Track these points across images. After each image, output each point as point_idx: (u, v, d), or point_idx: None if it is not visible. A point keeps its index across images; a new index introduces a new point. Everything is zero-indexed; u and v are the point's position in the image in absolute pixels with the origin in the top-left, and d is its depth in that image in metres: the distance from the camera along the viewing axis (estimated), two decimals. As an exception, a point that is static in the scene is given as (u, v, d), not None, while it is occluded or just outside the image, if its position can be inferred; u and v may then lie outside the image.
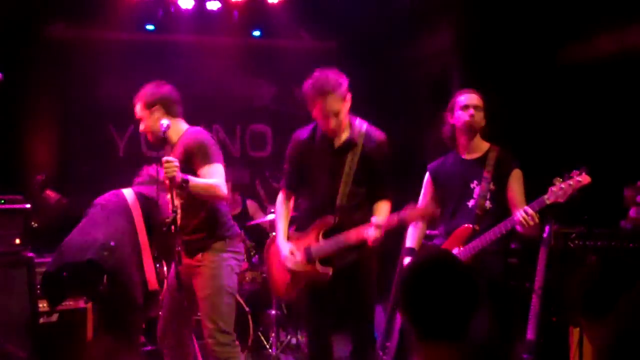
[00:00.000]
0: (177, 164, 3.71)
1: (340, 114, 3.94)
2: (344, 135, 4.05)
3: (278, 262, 4.20)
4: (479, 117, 4.15)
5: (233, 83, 7.52)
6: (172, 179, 3.70)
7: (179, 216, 3.78)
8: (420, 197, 4.46)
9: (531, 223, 3.77)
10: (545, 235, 4.08)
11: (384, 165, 4.12)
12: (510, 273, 4.32)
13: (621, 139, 5.07)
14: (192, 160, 3.91)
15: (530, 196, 3.91)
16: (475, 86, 4.34)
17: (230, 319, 4.06)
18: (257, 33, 7.37)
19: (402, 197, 4.82)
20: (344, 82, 3.98)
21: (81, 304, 4.99)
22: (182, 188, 3.74)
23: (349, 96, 3.99)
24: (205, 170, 3.89)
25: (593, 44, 5.41)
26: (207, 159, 3.91)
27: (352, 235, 3.95)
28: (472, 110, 4.12)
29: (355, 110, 4.41)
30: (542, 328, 4.05)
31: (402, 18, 6.49)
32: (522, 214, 3.79)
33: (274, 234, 4.43)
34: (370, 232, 3.87)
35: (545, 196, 3.78)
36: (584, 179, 3.72)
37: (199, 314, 4.15)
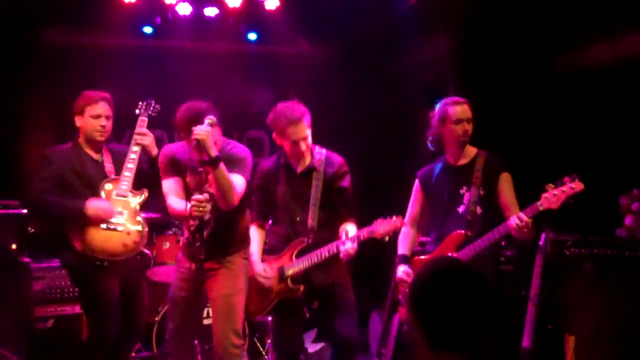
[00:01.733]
0: (208, 129, 3.79)
1: (308, 138, 4.24)
2: (306, 162, 4.34)
3: (252, 282, 4.33)
4: (471, 129, 4.19)
5: (230, 89, 7.52)
6: (205, 145, 3.73)
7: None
8: (410, 204, 4.49)
9: (525, 230, 3.79)
10: (541, 242, 4.09)
11: (346, 187, 4.37)
12: (505, 280, 4.33)
13: (617, 146, 5.08)
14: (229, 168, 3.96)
15: (526, 203, 3.93)
16: (470, 93, 4.36)
17: (241, 322, 4.14)
18: (253, 36, 7.32)
19: (397, 204, 4.84)
20: (307, 111, 4.26)
21: (77, 309, 4.99)
22: (213, 163, 3.78)
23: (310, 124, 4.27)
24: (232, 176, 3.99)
25: (589, 52, 5.43)
26: (236, 167, 4.00)
27: (323, 251, 4.22)
28: (465, 126, 4.16)
29: (350, 116, 4.47)
30: (537, 335, 4.05)
31: (398, 25, 6.50)
32: (517, 220, 3.80)
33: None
34: (343, 246, 4.12)
35: (539, 202, 3.81)
36: (577, 185, 3.75)
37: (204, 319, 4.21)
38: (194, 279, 4.10)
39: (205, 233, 3.91)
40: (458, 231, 4.13)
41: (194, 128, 3.78)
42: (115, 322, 4.24)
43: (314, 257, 4.25)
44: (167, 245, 5.64)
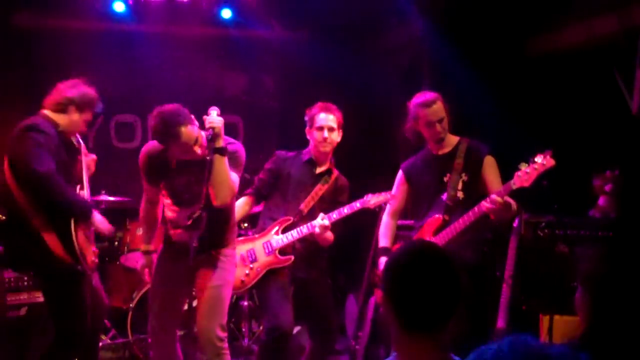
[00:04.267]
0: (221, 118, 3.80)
1: (334, 134, 4.50)
2: (325, 166, 4.60)
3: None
4: (445, 125, 4.19)
5: (203, 73, 7.46)
6: (217, 134, 3.72)
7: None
8: (395, 196, 4.49)
9: (501, 210, 3.80)
10: (515, 224, 4.11)
11: (342, 204, 4.49)
12: (481, 263, 4.35)
13: (590, 128, 5.12)
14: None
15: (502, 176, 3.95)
16: (444, 77, 4.37)
17: (226, 315, 4.09)
18: (227, 13, 7.17)
19: (372, 185, 4.83)
20: (341, 114, 4.56)
21: (40, 298, 4.92)
22: (220, 151, 3.77)
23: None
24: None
25: (561, 35, 5.45)
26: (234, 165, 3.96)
27: (309, 226, 4.38)
28: (437, 127, 4.17)
29: (324, 100, 4.48)
30: (512, 316, 4.08)
31: (372, 8, 6.48)
32: (489, 201, 3.81)
33: None
34: (318, 221, 4.32)
35: (512, 181, 3.80)
36: (548, 162, 3.74)
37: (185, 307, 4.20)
38: (181, 273, 4.04)
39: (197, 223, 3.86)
40: (436, 216, 4.14)
41: (206, 117, 3.78)
42: (87, 325, 4.19)
43: (304, 229, 4.41)
44: (140, 231, 5.57)
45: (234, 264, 4.21)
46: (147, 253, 4.28)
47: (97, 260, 4.25)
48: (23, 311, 4.89)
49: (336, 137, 4.53)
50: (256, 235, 4.61)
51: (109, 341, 5.63)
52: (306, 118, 4.55)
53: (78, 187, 4.29)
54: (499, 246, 4.39)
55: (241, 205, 4.58)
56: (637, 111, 4.85)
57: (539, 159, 3.75)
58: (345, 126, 4.58)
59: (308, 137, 4.58)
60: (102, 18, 6.97)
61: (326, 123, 4.46)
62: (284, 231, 4.50)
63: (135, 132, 7.32)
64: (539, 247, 4.53)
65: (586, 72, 5.22)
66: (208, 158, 3.77)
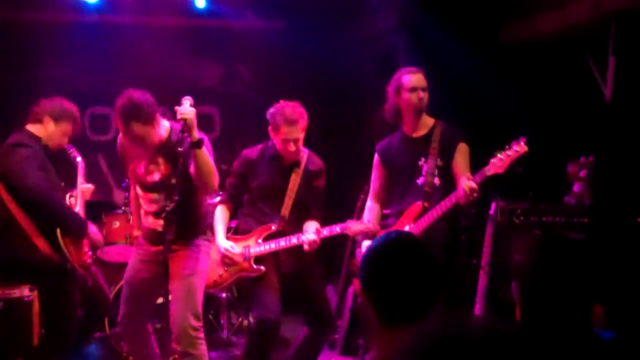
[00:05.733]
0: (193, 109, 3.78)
1: (299, 141, 4.35)
2: (292, 158, 4.45)
3: (212, 257, 4.39)
4: (426, 98, 4.19)
5: (178, 64, 7.39)
6: (190, 125, 3.71)
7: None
8: (372, 179, 4.50)
9: (475, 195, 3.81)
10: (491, 211, 4.13)
11: (321, 188, 4.56)
12: (457, 251, 4.37)
13: (564, 115, 5.15)
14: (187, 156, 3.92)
15: (475, 171, 3.95)
16: (419, 64, 4.36)
17: (200, 304, 4.11)
18: (201, 3, 7.10)
19: (348, 176, 4.82)
20: (305, 115, 4.38)
21: (26, 292, 4.87)
22: (197, 145, 3.77)
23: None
24: None
25: (535, 22, 5.47)
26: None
27: (289, 239, 4.35)
28: (420, 93, 4.16)
29: (302, 89, 4.46)
30: (489, 304, 4.11)
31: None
32: (465, 189, 3.80)
33: None
34: (309, 236, 4.28)
35: (486, 168, 3.82)
36: (521, 148, 3.76)
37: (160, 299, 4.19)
38: (154, 261, 4.05)
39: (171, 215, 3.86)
40: (417, 203, 4.15)
41: (178, 108, 3.76)
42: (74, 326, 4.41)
43: (280, 242, 4.37)
44: (117, 224, 5.55)
45: (206, 253, 4.20)
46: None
47: (89, 261, 4.42)
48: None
49: (301, 141, 4.40)
50: (237, 237, 4.56)
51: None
52: (269, 118, 4.40)
53: (68, 195, 4.39)
54: (475, 233, 4.41)
55: (221, 214, 4.52)
56: (611, 98, 4.89)
57: (513, 146, 3.76)
58: (321, 115, 4.58)
59: (271, 135, 4.45)
60: (75, 9, 6.88)
61: (291, 136, 4.31)
62: (265, 239, 4.44)
63: (109, 124, 7.24)
64: (514, 234, 4.56)
65: (560, 59, 5.24)
66: (180, 149, 3.77)
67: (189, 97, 3.81)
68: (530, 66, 5.34)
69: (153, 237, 4.10)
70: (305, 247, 4.29)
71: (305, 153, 4.53)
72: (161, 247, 3.89)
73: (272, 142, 4.49)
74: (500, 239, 4.23)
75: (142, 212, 4.20)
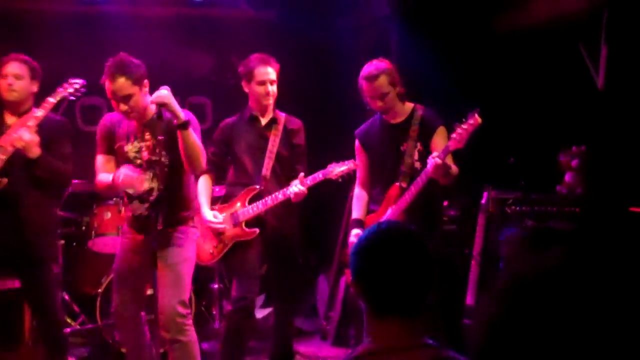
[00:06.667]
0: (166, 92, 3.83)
1: (274, 85, 4.46)
2: (270, 115, 4.57)
3: (203, 231, 4.44)
4: (390, 100, 4.18)
5: (170, 54, 7.35)
6: (171, 108, 3.78)
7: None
8: (358, 164, 4.47)
9: (441, 171, 3.84)
10: (483, 201, 4.13)
11: (302, 145, 4.61)
12: (448, 240, 4.37)
13: (556, 104, 5.13)
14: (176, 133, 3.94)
15: (469, 154, 3.97)
16: (412, 52, 4.34)
17: (188, 292, 4.12)
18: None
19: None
20: (277, 63, 4.55)
21: (16, 284, 4.86)
22: (184, 126, 3.80)
23: None
24: None
25: (527, 10, 5.44)
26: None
27: (278, 195, 4.34)
28: (379, 103, 4.16)
29: (295, 79, 4.45)
30: (481, 293, 4.11)
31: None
32: (430, 166, 3.83)
33: None
34: (294, 188, 4.28)
35: (449, 143, 3.88)
36: (475, 120, 3.84)
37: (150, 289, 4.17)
38: (141, 250, 4.04)
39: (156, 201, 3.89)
40: (394, 185, 4.14)
41: (151, 99, 3.84)
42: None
43: (267, 202, 4.37)
44: (108, 215, 5.52)
45: (192, 241, 4.20)
46: None
47: None
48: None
49: (275, 89, 4.50)
50: (223, 205, 4.60)
51: (78, 327, 5.57)
52: (241, 71, 4.51)
53: None
54: (467, 223, 4.41)
55: (204, 185, 4.52)
56: (603, 87, 4.87)
57: (469, 119, 3.83)
58: (313, 104, 4.59)
59: (246, 90, 4.53)
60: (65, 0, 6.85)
61: (267, 77, 4.42)
62: (251, 201, 4.46)
63: (101, 115, 7.18)
64: (506, 224, 4.56)
65: (552, 48, 5.22)
66: (160, 138, 3.84)
67: (166, 87, 3.87)
68: (522, 55, 5.32)
69: (137, 224, 4.09)
70: (292, 196, 4.29)
71: (282, 115, 4.61)
72: (147, 236, 3.91)
73: (248, 106, 4.59)
74: (491, 229, 4.23)
75: (125, 200, 4.20)
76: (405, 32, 5.87)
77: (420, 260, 1.98)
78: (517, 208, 4.55)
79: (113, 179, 3.95)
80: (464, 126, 3.83)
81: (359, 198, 4.44)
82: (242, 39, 7.34)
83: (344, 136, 6.77)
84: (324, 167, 4.43)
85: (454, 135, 3.85)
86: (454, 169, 3.96)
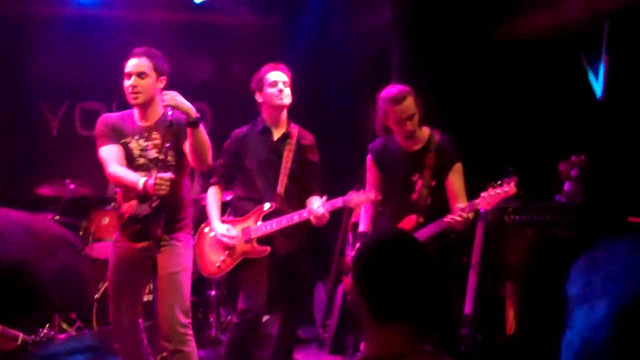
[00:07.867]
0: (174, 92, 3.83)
1: (289, 88, 4.37)
2: (282, 129, 4.44)
3: (211, 243, 4.40)
4: (416, 122, 4.15)
5: (170, 59, 7.33)
6: (183, 107, 3.77)
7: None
8: (367, 181, 4.47)
9: (463, 224, 3.96)
10: (482, 210, 4.12)
11: (316, 162, 4.49)
12: (447, 248, 4.35)
13: (556, 114, 5.13)
14: (183, 136, 3.94)
15: (469, 162, 3.99)
16: (412, 61, 4.33)
17: (188, 300, 4.08)
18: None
19: (343, 175, 4.78)
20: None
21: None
22: (194, 124, 3.79)
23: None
24: None
25: (528, 20, 5.45)
26: None
27: (294, 216, 4.22)
28: (408, 125, 4.12)
29: (295, 87, 4.43)
30: (479, 302, 4.09)
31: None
32: (456, 217, 3.93)
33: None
34: (316, 211, 4.12)
35: (477, 201, 3.95)
36: (510, 189, 3.90)
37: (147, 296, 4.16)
38: (137, 258, 4.00)
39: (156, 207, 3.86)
40: (411, 216, 4.15)
41: (162, 104, 3.86)
42: None
43: (282, 222, 4.26)
44: (106, 220, 5.51)
45: (189, 248, 4.16)
46: None
47: None
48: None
49: (290, 93, 4.40)
50: (235, 219, 4.48)
51: (74, 332, 5.54)
52: (253, 83, 4.43)
53: None
54: (466, 232, 4.39)
55: (213, 197, 4.46)
56: (603, 97, 4.87)
57: (504, 185, 3.91)
58: (314, 112, 4.56)
59: (259, 100, 4.42)
60: (65, 3, 6.84)
61: (279, 78, 4.35)
62: (265, 219, 4.35)
63: (100, 119, 7.20)
64: (505, 233, 4.54)
65: (553, 58, 5.22)
66: (167, 145, 3.87)
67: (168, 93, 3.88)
68: (523, 64, 5.32)
69: (132, 228, 4.01)
70: (313, 220, 4.17)
71: (295, 128, 4.48)
72: (145, 244, 3.88)
73: (260, 117, 4.47)
74: (491, 238, 4.22)
75: (122, 201, 4.12)
76: (407, 40, 5.86)
77: (422, 265, 1.97)
78: (516, 217, 4.53)
79: (146, 186, 3.78)
80: (498, 190, 3.89)
81: (367, 212, 4.43)
82: (242, 45, 7.35)
83: (344, 141, 6.79)
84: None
85: (484, 195, 3.91)
86: (472, 217, 4.04)
